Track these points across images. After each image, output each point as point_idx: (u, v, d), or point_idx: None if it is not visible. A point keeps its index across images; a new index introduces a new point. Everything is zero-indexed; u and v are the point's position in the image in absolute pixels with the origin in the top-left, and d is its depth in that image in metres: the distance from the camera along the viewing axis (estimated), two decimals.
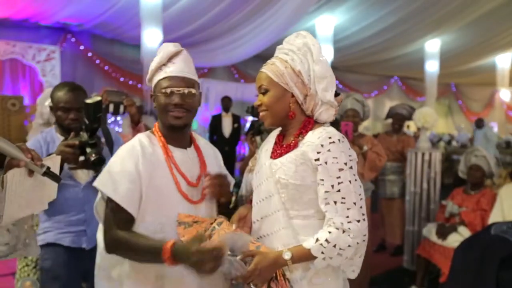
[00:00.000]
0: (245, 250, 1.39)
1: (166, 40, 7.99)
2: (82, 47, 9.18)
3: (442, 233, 3.58)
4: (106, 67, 9.48)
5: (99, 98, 1.85)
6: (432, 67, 12.09)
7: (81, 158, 1.90)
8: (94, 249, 1.97)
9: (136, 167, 1.45)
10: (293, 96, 1.47)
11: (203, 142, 1.71)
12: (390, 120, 5.14)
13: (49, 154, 1.94)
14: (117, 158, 1.49)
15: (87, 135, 1.90)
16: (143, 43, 7.10)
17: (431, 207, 4.32)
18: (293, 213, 1.44)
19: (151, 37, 7.09)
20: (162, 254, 1.33)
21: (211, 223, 1.47)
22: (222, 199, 1.61)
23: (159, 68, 1.51)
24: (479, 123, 9.41)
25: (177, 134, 1.57)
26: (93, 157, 1.87)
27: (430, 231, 3.74)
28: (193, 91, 1.51)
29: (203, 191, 1.55)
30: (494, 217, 3.40)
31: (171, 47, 1.52)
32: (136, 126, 2.76)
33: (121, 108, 2.50)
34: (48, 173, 1.30)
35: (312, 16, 8.96)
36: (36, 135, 2.26)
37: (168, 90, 1.48)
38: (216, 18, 8.18)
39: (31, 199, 1.33)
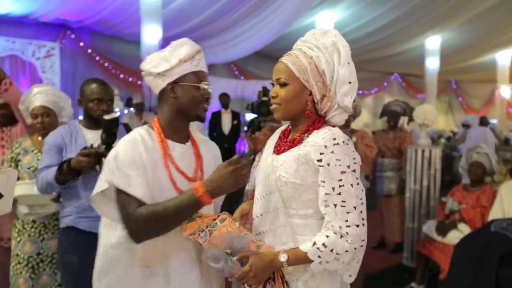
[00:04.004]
0: (243, 250, 1.38)
1: (166, 37, 7.98)
2: (82, 44, 9.17)
3: (442, 230, 3.58)
4: (106, 64, 9.47)
5: (117, 115, 2.06)
6: (432, 64, 12.08)
7: (97, 167, 2.07)
8: None
9: (142, 159, 1.46)
10: (310, 94, 1.43)
11: (199, 136, 1.72)
12: (385, 118, 5.14)
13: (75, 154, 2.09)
14: (122, 151, 1.47)
15: (103, 148, 2.06)
16: (143, 40, 7.10)
17: (431, 204, 4.32)
18: (292, 212, 1.43)
19: (151, 34, 7.08)
20: (196, 195, 1.40)
21: (214, 219, 1.46)
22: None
23: (185, 60, 1.52)
24: (483, 120, 9.26)
25: (185, 128, 1.60)
26: None
27: (430, 228, 3.74)
28: (210, 87, 1.58)
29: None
30: (494, 214, 3.40)
31: (195, 43, 1.56)
32: None
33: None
34: None
35: (312, 13, 8.95)
36: (58, 128, 2.34)
37: (202, 84, 1.53)
38: (216, 15, 8.17)
39: None
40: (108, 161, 1.48)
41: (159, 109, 1.60)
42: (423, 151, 4.32)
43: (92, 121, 2.29)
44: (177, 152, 1.55)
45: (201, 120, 1.60)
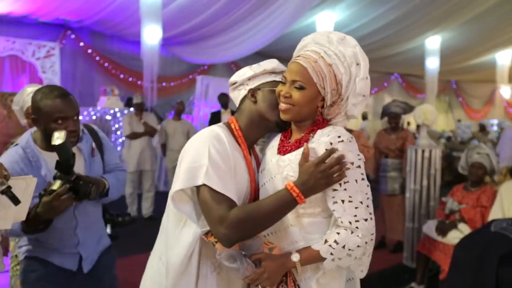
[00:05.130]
0: (256, 252, 1.39)
1: (166, 37, 8.01)
2: (82, 44, 9.18)
3: (442, 230, 3.58)
4: (106, 64, 9.48)
5: (62, 137, 1.67)
6: (432, 64, 12.08)
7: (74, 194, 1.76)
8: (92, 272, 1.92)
9: (229, 157, 1.41)
10: (322, 99, 1.43)
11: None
12: (386, 119, 5.14)
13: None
14: (212, 149, 1.39)
15: (67, 177, 1.73)
16: (143, 40, 7.10)
17: (431, 204, 4.33)
18: (300, 211, 1.43)
19: (151, 34, 7.08)
20: (292, 195, 1.33)
21: None
22: None
23: (271, 72, 1.54)
24: None
25: (254, 138, 1.56)
26: (95, 191, 1.85)
27: (430, 228, 3.74)
28: None
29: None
30: (494, 214, 3.40)
31: (284, 66, 1.55)
32: None
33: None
34: (5, 192, 1.25)
35: (312, 13, 8.95)
36: (8, 153, 1.89)
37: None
38: (216, 15, 8.17)
39: None
40: (206, 166, 1.37)
41: (238, 117, 1.56)
42: (423, 151, 4.32)
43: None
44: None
45: (281, 128, 1.53)
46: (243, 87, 1.55)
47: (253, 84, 1.53)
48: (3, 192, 1.26)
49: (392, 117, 4.88)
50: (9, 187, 1.28)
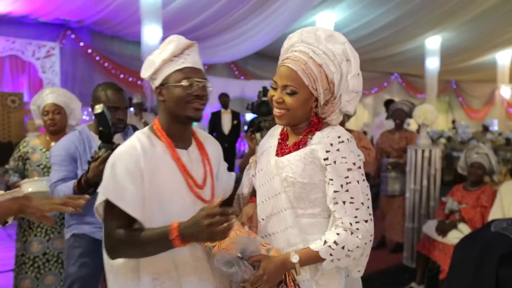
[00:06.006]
0: (254, 254, 1.37)
1: (166, 37, 7.96)
2: (82, 44, 9.17)
3: (442, 230, 3.58)
4: (106, 64, 9.47)
5: (101, 107, 1.97)
6: (432, 64, 12.07)
7: None
8: None
9: (140, 169, 1.38)
10: (315, 100, 1.41)
11: (203, 136, 1.64)
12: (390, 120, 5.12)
13: (90, 161, 1.98)
14: (119, 160, 1.41)
15: (106, 148, 1.97)
16: (143, 40, 7.09)
17: (431, 204, 4.32)
18: (300, 212, 1.43)
19: (151, 34, 7.07)
20: (169, 235, 1.29)
21: None
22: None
23: (170, 59, 1.43)
24: None
25: (183, 131, 1.51)
26: None
27: (430, 228, 3.74)
28: (209, 85, 1.48)
29: (212, 190, 1.53)
30: (494, 214, 3.40)
31: (183, 39, 1.46)
32: None
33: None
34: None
35: (312, 13, 8.94)
36: (68, 135, 2.24)
37: (187, 82, 1.42)
38: (216, 15, 8.16)
39: None
40: (106, 169, 1.42)
41: (159, 116, 1.53)
42: (423, 151, 4.32)
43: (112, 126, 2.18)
44: (182, 159, 1.49)
45: (195, 120, 1.48)
46: (153, 83, 1.49)
47: (158, 80, 1.46)
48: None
49: (398, 114, 4.87)
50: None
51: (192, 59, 1.46)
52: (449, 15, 9.90)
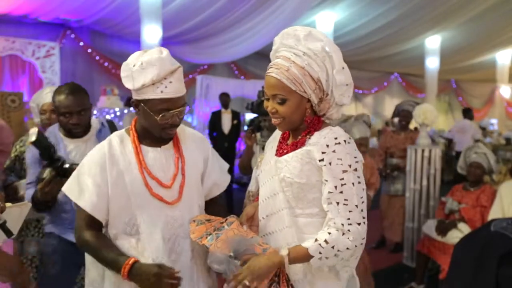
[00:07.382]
0: (247, 253, 1.39)
1: (166, 36, 7.99)
2: (81, 43, 9.17)
3: (442, 229, 3.58)
4: (106, 64, 9.47)
5: (35, 132, 1.88)
6: (432, 63, 12.09)
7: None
8: None
9: (102, 170, 1.48)
10: (308, 101, 1.42)
11: (187, 134, 1.66)
12: (396, 119, 5.11)
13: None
14: (85, 161, 1.53)
15: (53, 165, 1.93)
16: (143, 40, 7.10)
17: (430, 204, 4.32)
18: (298, 212, 1.44)
19: (151, 34, 7.07)
20: (122, 268, 1.41)
21: (222, 223, 1.48)
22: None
23: (151, 84, 1.43)
24: None
25: (153, 136, 1.56)
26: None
27: (429, 227, 3.74)
28: (184, 108, 1.51)
29: (181, 190, 1.55)
30: (494, 213, 3.40)
31: (168, 65, 1.44)
32: None
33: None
34: (1, 226, 1.40)
35: (312, 12, 8.95)
36: None
37: (167, 113, 1.46)
38: (216, 15, 8.17)
39: None
40: (73, 175, 1.54)
41: (137, 118, 1.57)
42: (423, 151, 4.32)
43: (69, 131, 2.16)
44: (150, 157, 1.54)
45: (164, 141, 1.57)
46: (135, 92, 1.50)
47: (135, 96, 1.49)
48: None
49: (404, 115, 4.86)
50: (4, 222, 1.41)
51: (173, 88, 1.46)
52: (448, 15, 9.91)
